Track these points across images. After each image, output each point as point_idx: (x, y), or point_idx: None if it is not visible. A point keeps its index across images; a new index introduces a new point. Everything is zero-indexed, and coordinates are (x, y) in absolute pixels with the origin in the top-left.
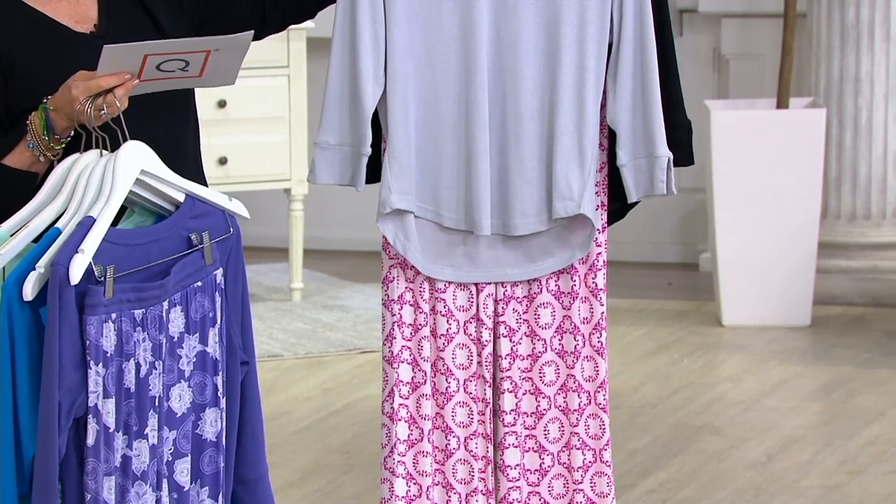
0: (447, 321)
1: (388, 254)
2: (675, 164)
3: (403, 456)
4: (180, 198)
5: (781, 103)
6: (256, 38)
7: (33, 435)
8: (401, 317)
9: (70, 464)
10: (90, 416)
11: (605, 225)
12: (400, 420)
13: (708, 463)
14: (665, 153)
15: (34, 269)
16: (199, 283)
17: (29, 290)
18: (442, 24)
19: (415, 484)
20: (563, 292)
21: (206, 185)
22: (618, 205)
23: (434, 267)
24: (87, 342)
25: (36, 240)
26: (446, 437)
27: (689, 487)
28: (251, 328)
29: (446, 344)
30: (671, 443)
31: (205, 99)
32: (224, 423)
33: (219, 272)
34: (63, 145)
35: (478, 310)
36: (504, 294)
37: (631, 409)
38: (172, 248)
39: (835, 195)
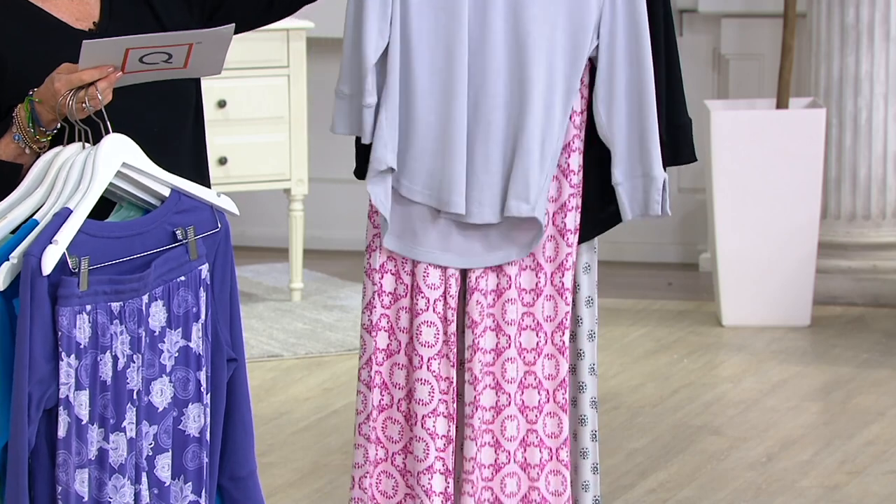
0: (417, 297)
1: (373, 222)
2: (680, 162)
3: (375, 421)
4: (165, 192)
5: (781, 103)
6: (266, 22)
7: (5, 425)
8: (381, 286)
9: (41, 456)
10: (61, 407)
11: (578, 227)
12: (376, 387)
13: (708, 463)
14: (661, 174)
15: (7, 259)
16: (183, 278)
17: (0, 281)
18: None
19: (382, 448)
20: (527, 289)
21: (208, 181)
22: (606, 214)
23: (390, 238)
24: (60, 333)
25: (14, 231)
26: (410, 410)
27: (688, 487)
28: (240, 324)
29: (414, 319)
30: (671, 443)
31: (205, 99)
32: (208, 419)
33: (204, 267)
34: (49, 138)
35: (445, 289)
36: (469, 285)
37: (631, 409)
38: (156, 243)
39: (835, 195)
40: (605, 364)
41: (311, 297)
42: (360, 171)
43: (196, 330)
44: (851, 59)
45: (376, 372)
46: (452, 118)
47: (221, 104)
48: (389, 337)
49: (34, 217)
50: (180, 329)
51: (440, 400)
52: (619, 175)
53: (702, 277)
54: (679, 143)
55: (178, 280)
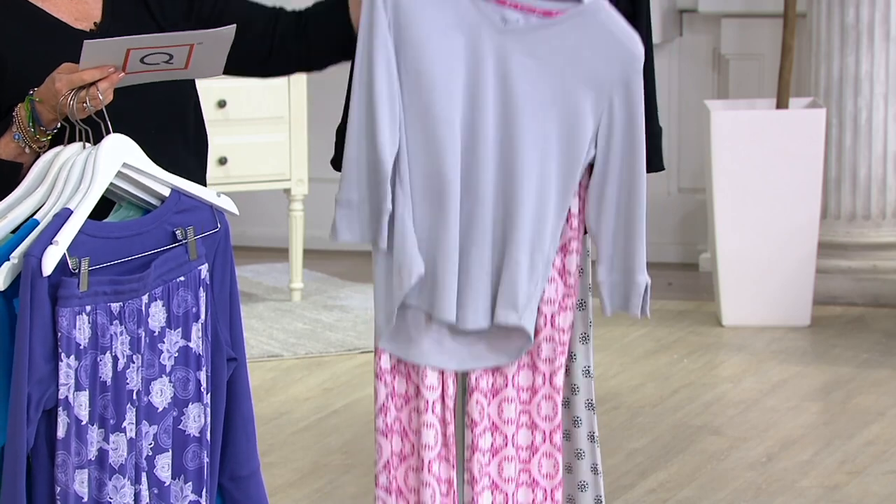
0: (419, 399)
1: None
2: (649, 171)
3: None
4: (165, 192)
5: (781, 103)
6: (262, 74)
7: (3, 426)
8: (394, 388)
9: (40, 456)
10: (60, 408)
11: (571, 325)
12: (394, 493)
13: (708, 463)
14: (644, 280)
15: (8, 259)
16: (182, 278)
17: (1, 281)
18: (452, 100)
19: None
20: (524, 387)
21: (204, 183)
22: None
23: (386, 340)
24: (59, 334)
25: (14, 231)
26: None
27: (688, 487)
28: (240, 324)
29: (419, 420)
30: (671, 443)
31: (205, 99)
32: (208, 419)
33: (204, 267)
34: (49, 137)
35: (443, 389)
36: (469, 385)
37: (631, 409)
38: (155, 243)
39: (835, 195)
40: (605, 364)
41: (311, 297)
42: (337, 163)
43: (196, 330)
44: (851, 59)
45: (393, 477)
46: (445, 226)
47: (221, 104)
48: (402, 440)
49: (34, 217)
50: (180, 329)
51: (441, 503)
52: (602, 274)
53: (702, 277)
54: (650, 152)
55: (178, 280)
